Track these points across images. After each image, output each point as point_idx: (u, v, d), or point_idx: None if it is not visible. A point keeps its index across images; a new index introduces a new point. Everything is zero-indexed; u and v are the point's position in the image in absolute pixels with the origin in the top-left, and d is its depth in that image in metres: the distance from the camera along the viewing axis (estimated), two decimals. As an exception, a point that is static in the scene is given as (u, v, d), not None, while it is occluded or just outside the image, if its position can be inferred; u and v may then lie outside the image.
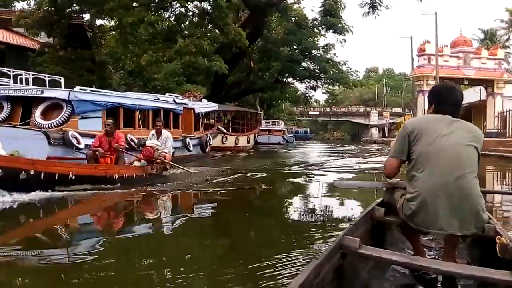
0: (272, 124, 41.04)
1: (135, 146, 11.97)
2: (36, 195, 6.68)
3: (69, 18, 22.08)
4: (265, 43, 30.56)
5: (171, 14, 22.71)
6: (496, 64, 32.89)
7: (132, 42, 22.52)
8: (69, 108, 10.51)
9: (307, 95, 39.30)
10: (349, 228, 2.81)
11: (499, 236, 2.56)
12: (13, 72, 13.56)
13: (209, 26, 21.97)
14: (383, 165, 3.07)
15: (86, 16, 24.63)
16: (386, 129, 62.61)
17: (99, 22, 26.00)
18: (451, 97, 2.88)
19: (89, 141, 10.55)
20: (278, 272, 3.40)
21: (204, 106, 19.86)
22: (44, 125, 10.09)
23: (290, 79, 34.34)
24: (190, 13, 22.62)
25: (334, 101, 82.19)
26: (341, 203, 7.50)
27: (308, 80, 33.60)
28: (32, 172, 6.62)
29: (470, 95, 32.02)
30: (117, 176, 8.09)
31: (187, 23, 22.65)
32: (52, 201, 6.73)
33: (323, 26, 30.89)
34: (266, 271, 3.44)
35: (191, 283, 3.29)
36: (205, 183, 9.58)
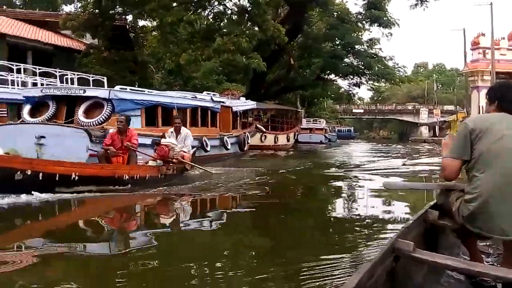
0: (314, 123, 40.91)
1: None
2: (34, 198, 6.37)
3: (113, 19, 23.17)
4: (306, 39, 30.53)
5: (210, 13, 23.27)
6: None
7: (172, 42, 23.30)
8: (109, 106, 11.09)
9: (350, 92, 38.84)
10: (402, 231, 2.72)
11: None
12: (59, 72, 14.51)
13: (248, 24, 22.34)
14: (436, 167, 3.06)
15: (129, 18, 25.76)
16: (437, 127, 60.70)
17: (141, 23, 27.07)
18: None
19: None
20: (321, 274, 3.46)
21: (242, 104, 20.28)
22: (86, 123, 10.73)
23: (332, 76, 34.12)
24: (229, 11, 23.11)
25: (379, 98, 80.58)
26: (386, 206, 7.35)
27: (352, 77, 33.22)
28: (29, 172, 6.32)
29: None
30: (127, 177, 7.69)
31: (225, 21, 23.13)
32: (49, 204, 6.43)
33: (367, 20, 30.44)
34: (309, 272, 3.51)
35: (231, 281, 3.43)
36: (227, 184, 9.25)
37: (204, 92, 17.73)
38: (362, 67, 31.40)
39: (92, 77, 15.70)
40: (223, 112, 17.21)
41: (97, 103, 11.17)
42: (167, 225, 6.12)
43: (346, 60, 31.56)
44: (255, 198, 7.90)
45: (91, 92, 11.29)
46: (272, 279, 3.49)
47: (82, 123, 10.69)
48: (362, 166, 15.20)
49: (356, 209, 7.15)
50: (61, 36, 24.61)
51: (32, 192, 6.36)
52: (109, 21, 22.74)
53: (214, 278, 3.54)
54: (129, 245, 4.82)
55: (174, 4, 21.74)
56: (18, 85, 13.75)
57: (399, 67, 34.26)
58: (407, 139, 59.82)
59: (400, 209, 6.95)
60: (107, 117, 10.98)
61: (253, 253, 4.54)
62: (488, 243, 3.53)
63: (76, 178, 6.90)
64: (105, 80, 15.36)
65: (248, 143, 19.38)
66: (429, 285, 2.75)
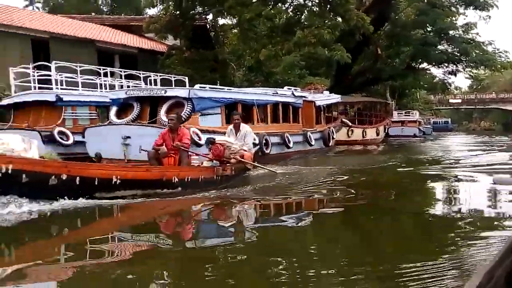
0: (406, 115, 39.12)
1: (256, 142, 12.51)
2: (70, 203, 6.02)
3: (193, 20, 23.98)
4: (393, 27, 29.34)
5: (289, 6, 23.14)
6: None
7: (251, 38, 23.52)
8: (189, 105, 11.40)
9: (445, 81, 36.67)
10: None
11: None
12: (143, 74, 15.24)
13: (330, 15, 21.90)
14: None
15: (209, 17, 26.48)
16: (547, 116, 55.26)
17: (221, 21, 27.69)
18: None
19: (209, 137, 11.40)
20: (420, 276, 3.32)
21: (326, 98, 19.87)
22: (168, 123, 11.10)
23: (424, 65, 32.55)
24: (309, 3, 22.82)
25: (479, 87, 75.13)
26: (493, 204, 6.67)
27: (446, 65, 31.53)
28: (64, 177, 5.94)
29: None
30: (177, 179, 7.15)
31: (305, 13, 22.88)
32: (87, 211, 6.04)
33: (462, 3, 28.68)
34: (406, 273, 3.38)
35: (322, 281, 3.34)
36: (297, 185, 8.55)
37: (285, 87, 17.62)
38: (458, 54, 29.66)
39: (174, 77, 16.29)
40: (306, 107, 16.98)
41: (178, 103, 11.51)
42: (228, 232, 5.47)
43: (439, 47, 29.95)
44: (337, 200, 7.29)
45: (171, 92, 11.66)
46: (367, 280, 3.35)
47: (164, 122, 11.06)
48: (462, 161, 13.81)
49: (459, 209, 6.41)
50: (144, 39, 25.99)
51: (68, 198, 6.06)
52: (189, 21, 23.52)
53: (304, 279, 3.43)
54: (186, 259, 4.33)
55: (253, 0, 21.92)
56: (106, 88, 14.64)
57: (500, 52, 31.71)
58: (513, 130, 55.13)
59: (510, 208, 6.22)
60: (187, 116, 11.28)
61: (342, 254, 4.33)
62: None
63: (118, 182, 6.44)
64: (186, 79, 15.89)
65: (333, 138, 18.95)
66: None
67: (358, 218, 6.25)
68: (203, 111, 11.76)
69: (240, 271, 3.81)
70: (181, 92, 11.68)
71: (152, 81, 15.27)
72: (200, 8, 24.22)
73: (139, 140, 9.98)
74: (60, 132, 11.80)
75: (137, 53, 23.82)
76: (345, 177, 9.83)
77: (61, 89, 13.42)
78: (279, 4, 22.78)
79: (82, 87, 14.08)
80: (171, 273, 3.90)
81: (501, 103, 66.48)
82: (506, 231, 4.66)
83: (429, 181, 9.76)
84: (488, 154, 16.83)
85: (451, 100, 69.50)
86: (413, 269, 3.47)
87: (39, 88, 13.63)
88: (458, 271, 3.49)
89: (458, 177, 9.87)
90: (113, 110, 11.83)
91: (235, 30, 27.15)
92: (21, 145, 6.08)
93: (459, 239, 4.58)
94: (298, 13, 22.90)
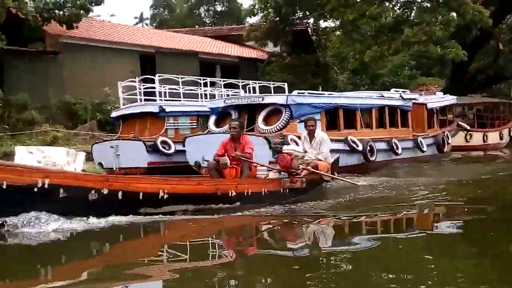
0: (536, 116, 35.29)
1: (359, 149, 12.06)
2: (111, 220, 5.67)
3: (293, 25, 24.13)
4: (517, 18, 26.73)
5: (396, 4, 22.19)
6: None
7: (355, 40, 22.97)
8: (287, 112, 11.31)
9: None
10: None
11: None
12: (242, 82, 15.54)
13: (442, 10, 20.58)
14: None
15: (310, 21, 26.43)
16: None
17: (324, 24, 27.49)
18: None
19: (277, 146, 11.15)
20: None
21: (439, 100, 18.59)
22: (266, 131, 11.12)
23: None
24: (419, -1, 21.69)
25: None
26: None
27: None
28: (105, 191, 5.64)
29: None
30: (234, 193, 6.65)
31: (414, 10, 21.77)
32: (131, 228, 5.66)
33: None
34: None
35: None
36: (378, 201, 7.54)
37: (392, 90, 16.82)
38: None
39: (273, 84, 16.38)
40: (416, 110, 16.00)
41: (276, 110, 11.50)
42: (301, 258, 4.64)
43: None
44: (427, 219, 6.52)
45: (269, 99, 11.67)
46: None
47: (262, 130, 11.10)
48: None
49: None
50: (245, 47, 26.73)
51: (110, 214, 5.76)
52: (289, 27, 23.73)
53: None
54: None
55: (357, 0, 21.40)
56: (207, 98, 15.18)
57: None
58: None
59: None
60: (285, 123, 11.20)
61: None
62: None
63: (166, 196, 6.04)
64: (285, 86, 15.88)
65: (448, 143, 17.59)
66: None
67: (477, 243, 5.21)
68: (302, 117, 11.58)
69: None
70: (279, 99, 11.64)
71: (251, 89, 15.50)
72: (301, 13, 24.26)
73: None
74: (163, 142, 12.40)
75: (238, 62, 24.50)
76: (450, 189, 8.70)
77: (164, 100, 14.18)
78: (386, 3, 21.94)
79: (185, 97, 14.75)
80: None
81: None
82: None
83: None
84: None
85: None
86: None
87: (145, 100, 14.53)
88: None
89: None
90: (212, 119, 12.16)
91: (338, 32, 26.80)
92: (64, 158, 6.00)
93: None
94: (406, 10, 21.85)
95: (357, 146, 12.12)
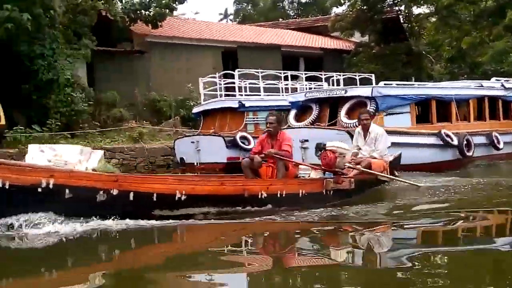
0: None
1: (454, 143, 11.31)
2: (121, 223, 5.30)
3: (383, 12, 23.36)
4: None
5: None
6: None
7: (452, 26, 21.68)
8: (373, 105, 10.83)
9: None
10: None
11: None
12: (324, 75, 15.23)
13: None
14: None
15: (402, 8, 25.41)
16: None
17: (417, 11, 26.30)
18: None
19: (396, 139, 10.66)
20: None
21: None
22: (349, 124, 10.76)
23: None
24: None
25: None
26: None
27: None
28: (114, 192, 5.34)
29: None
30: (265, 195, 6.09)
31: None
32: (143, 232, 5.27)
33: None
34: None
35: None
36: (442, 205, 6.62)
37: (493, 79, 15.56)
38: None
39: (359, 75, 15.90)
40: (522, 101, 14.65)
41: (360, 102, 11.08)
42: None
43: None
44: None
45: (353, 91, 11.30)
46: None
47: (345, 125, 10.76)
48: None
49: None
50: (330, 38, 26.34)
51: (120, 217, 5.41)
52: (378, 15, 23.04)
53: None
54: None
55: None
56: (289, 92, 15.07)
57: None
58: None
59: None
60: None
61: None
62: None
63: (184, 197, 5.61)
64: (373, 77, 15.37)
65: None
66: None
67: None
68: (389, 110, 11.09)
69: None
70: (363, 91, 11.22)
71: (334, 81, 15.15)
72: (391, 0, 23.46)
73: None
74: (242, 137, 12.47)
75: (322, 54, 24.18)
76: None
77: (244, 95, 14.27)
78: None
79: (266, 92, 14.75)
80: None
81: None
82: None
83: None
84: None
85: None
86: None
87: (226, 95, 14.74)
88: None
89: None
90: (292, 113, 12.02)
91: (433, 19, 25.49)
92: (76, 157, 5.83)
93: None
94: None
95: (452, 140, 11.35)
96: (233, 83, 14.71)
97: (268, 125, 6.99)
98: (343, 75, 15.64)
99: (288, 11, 40.76)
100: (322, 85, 15.83)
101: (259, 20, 35.00)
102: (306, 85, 15.70)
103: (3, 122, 11.13)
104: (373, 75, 15.49)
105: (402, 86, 12.10)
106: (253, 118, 13.49)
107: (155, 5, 19.16)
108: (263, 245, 5.25)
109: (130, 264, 4.51)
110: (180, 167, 13.26)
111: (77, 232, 5.02)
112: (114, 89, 17.93)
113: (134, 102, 18.59)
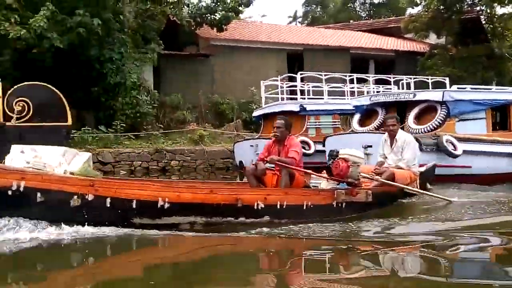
0: None
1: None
2: (94, 231, 4.97)
3: (461, 13, 22.39)
4: None
5: None
6: None
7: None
8: (443, 110, 10.36)
9: None
10: None
11: None
12: (393, 78, 14.72)
13: None
14: None
15: (483, 8, 24.23)
16: None
17: (501, 10, 24.91)
18: None
19: (468, 147, 10.08)
20: None
21: None
22: (417, 130, 10.32)
23: None
24: None
25: None
26: None
27: None
28: (89, 198, 5.09)
29: None
30: (262, 205, 5.62)
31: None
32: (119, 241, 4.89)
33: None
34: None
35: None
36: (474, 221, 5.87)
37: None
38: None
39: (432, 79, 15.26)
40: None
41: (430, 107, 10.66)
42: None
43: None
44: None
45: (422, 95, 10.86)
46: None
47: (412, 130, 10.34)
48: None
49: None
50: (403, 40, 25.56)
51: (95, 224, 5.12)
52: (457, 15, 22.06)
53: None
54: None
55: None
56: (355, 95, 14.72)
57: None
58: None
59: None
60: (440, 122, 10.31)
61: None
62: None
63: (166, 205, 5.26)
64: (447, 80, 14.71)
65: None
66: None
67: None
68: (461, 115, 10.54)
69: None
70: (434, 95, 10.73)
71: (404, 85, 14.59)
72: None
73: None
74: (302, 142, 12.22)
75: (394, 56, 23.52)
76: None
77: (307, 98, 14.10)
78: None
79: (331, 95, 14.50)
80: None
81: None
82: None
83: None
84: None
85: None
86: None
87: (289, 98, 14.65)
88: None
89: None
90: (356, 117, 11.74)
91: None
92: (57, 159, 5.56)
93: None
94: None
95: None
96: (296, 86, 14.59)
97: (275, 129, 6.48)
98: (414, 78, 15.02)
99: (359, 12, 39.97)
100: (391, 89, 15.34)
101: (328, 22, 34.62)
102: (373, 88, 15.25)
103: (69, 122, 11.73)
104: (447, 78, 14.74)
105: (478, 90, 11.46)
106: (315, 122, 13.33)
107: (221, 9, 19.49)
108: (253, 264, 4.47)
109: (94, 275, 4.07)
110: (239, 170, 13.35)
111: (48, 239, 4.71)
112: (178, 92, 18.44)
113: (197, 104, 18.98)
